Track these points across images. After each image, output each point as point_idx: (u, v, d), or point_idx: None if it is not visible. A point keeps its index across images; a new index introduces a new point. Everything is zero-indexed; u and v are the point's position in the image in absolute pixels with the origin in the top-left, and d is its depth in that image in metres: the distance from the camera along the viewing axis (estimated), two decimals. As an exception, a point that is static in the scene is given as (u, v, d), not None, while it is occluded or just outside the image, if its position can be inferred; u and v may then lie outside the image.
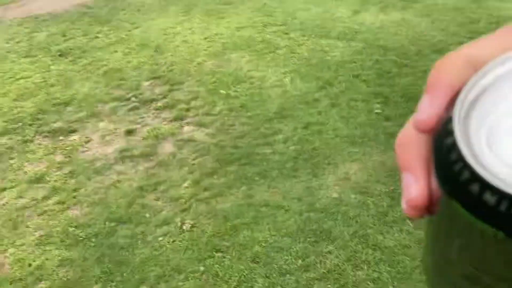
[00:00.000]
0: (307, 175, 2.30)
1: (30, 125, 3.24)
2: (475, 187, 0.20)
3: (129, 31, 5.20)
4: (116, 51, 4.56)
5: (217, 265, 2.03)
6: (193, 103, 3.27)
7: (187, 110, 3.19)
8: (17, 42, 5.33)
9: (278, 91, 3.26)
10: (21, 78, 4.16)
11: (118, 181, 2.48)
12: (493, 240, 0.21)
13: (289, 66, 3.66)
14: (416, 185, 0.21)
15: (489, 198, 0.20)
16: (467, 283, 0.27)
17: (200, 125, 2.97)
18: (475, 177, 0.20)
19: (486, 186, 0.19)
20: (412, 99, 2.91)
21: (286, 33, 4.42)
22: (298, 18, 4.83)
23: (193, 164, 2.54)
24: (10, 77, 4.21)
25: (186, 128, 2.96)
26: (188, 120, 3.07)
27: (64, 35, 5.34)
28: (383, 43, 3.87)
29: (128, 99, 3.49)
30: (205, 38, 4.61)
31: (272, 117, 2.91)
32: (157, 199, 2.29)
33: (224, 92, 3.36)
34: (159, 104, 3.35)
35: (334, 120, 2.79)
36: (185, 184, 2.37)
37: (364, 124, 2.72)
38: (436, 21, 4.22)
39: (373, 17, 4.55)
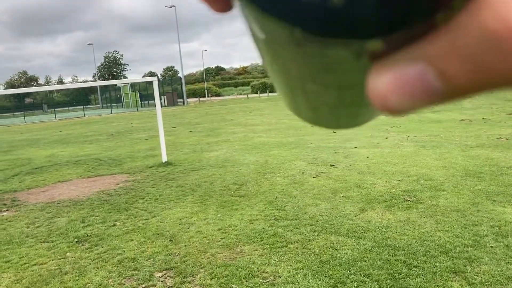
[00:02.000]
0: None
1: (39, 315, 3.19)
2: None
3: (146, 219, 5.43)
4: (131, 240, 4.70)
5: None
6: (204, 298, 3.26)
7: (199, 305, 3.16)
8: (37, 227, 5.54)
9: (291, 288, 3.27)
10: (36, 264, 4.23)
11: None
12: (293, 41, 0.20)
13: (301, 262, 3.73)
14: None
15: None
16: (301, 93, 0.26)
17: (211, 322, 2.91)
18: None
19: None
20: (425, 302, 2.90)
21: (297, 228, 4.61)
22: (308, 213, 5.07)
23: None
24: (25, 263, 4.28)
25: (196, 325, 2.90)
26: (199, 316, 3.02)
27: (83, 222, 5.56)
28: (391, 242, 4.00)
29: (140, 290, 3.49)
30: (219, 229, 4.79)
31: (285, 317, 2.87)
32: None
33: (236, 287, 3.37)
34: (170, 297, 3.34)
35: (348, 322, 2.75)
36: None
37: (379, 328, 2.66)
38: (440, 222, 4.42)
39: (379, 216, 4.78)
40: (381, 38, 0.19)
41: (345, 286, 3.23)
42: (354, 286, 3.22)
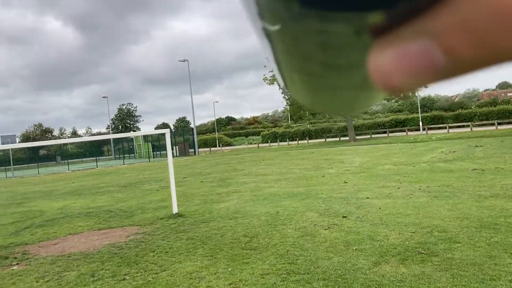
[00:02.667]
0: None
1: None
2: None
3: (156, 273, 5.37)
4: (141, 295, 4.63)
5: None
6: None
7: None
8: (47, 281, 5.50)
9: None
10: (45, 321, 4.16)
11: None
12: (291, 17, 0.19)
13: (314, 319, 3.64)
14: None
15: None
16: (303, 77, 0.25)
17: None
18: None
19: None
20: None
21: (309, 283, 4.51)
22: (320, 267, 4.98)
23: None
24: (34, 319, 4.22)
25: None
26: None
27: (93, 276, 5.51)
28: (406, 297, 3.90)
29: None
30: (230, 284, 4.71)
31: None
32: None
33: None
34: None
35: None
36: None
37: None
38: (456, 276, 4.31)
39: (393, 269, 4.67)
40: (383, 10, 0.18)
41: None
42: None
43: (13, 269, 6.30)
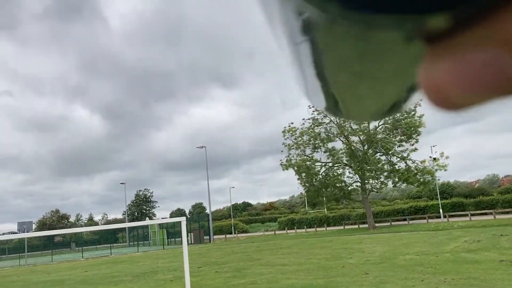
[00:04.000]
0: None
1: None
2: None
3: None
4: None
5: None
6: None
7: None
8: None
9: None
10: None
11: None
12: (328, 22, 0.16)
13: None
14: None
15: None
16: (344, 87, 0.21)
17: None
18: None
19: None
20: None
21: None
22: None
23: None
24: None
25: None
26: None
27: None
28: None
29: None
30: None
31: None
32: None
33: None
34: None
35: None
36: None
37: None
38: None
39: None
40: (445, 12, 0.15)
41: None
42: None
43: None
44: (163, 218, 53.81)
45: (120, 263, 27.08)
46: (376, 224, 47.33)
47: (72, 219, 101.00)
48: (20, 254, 48.89)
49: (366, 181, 46.63)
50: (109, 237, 70.48)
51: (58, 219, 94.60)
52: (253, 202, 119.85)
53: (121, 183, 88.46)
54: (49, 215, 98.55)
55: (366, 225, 48.56)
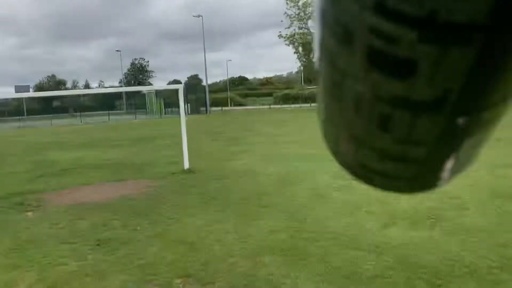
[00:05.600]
0: None
1: (59, 316, 3.23)
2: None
3: (167, 225, 5.46)
4: (152, 245, 4.73)
5: None
6: (223, 307, 3.25)
7: (217, 314, 3.15)
8: (60, 228, 5.62)
9: (310, 302, 3.23)
10: (59, 265, 4.28)
11: None
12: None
13: (322, 275, 3.69)
14: None
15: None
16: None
17: (229, 332, 2.89)
18: None
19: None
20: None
21: (318, 241, 4.56)
22: (329, 227, 5.02)
23: None
24: (48, 263, 4.34)
25: (214, 334, 2.89)
26: (217, 325, 3.01)
27: (104, 225, 5.62)
28: (414, 260, 3.92)
29: (159, 296, 3.50)
30: (239, 239, 4.78)
31: (304, 331, 2.83)
32: None
33: (255, 297, 3.35)
34: (189, 304, 3.34)
35: None
36: None
37: None
38: (465, 242, 4.32)
39: (402, 232, 4.69)
40: None
41: (366, 303, 3.17)
42: (375, 303, 3.16)
43: (27, 215, 6.45)
44: (160, 86, 54.15)
45: (119, 128, 27.81)
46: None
47: (68, 85, 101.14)
48: (20, 117, 49.89)
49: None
50: (106, 104, 71.34)
51: (55, 85, 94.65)
52: (250, 77, 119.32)
53: (116, 51, 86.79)
54: (45, 80, 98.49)
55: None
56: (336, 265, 3.90)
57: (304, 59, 46.77)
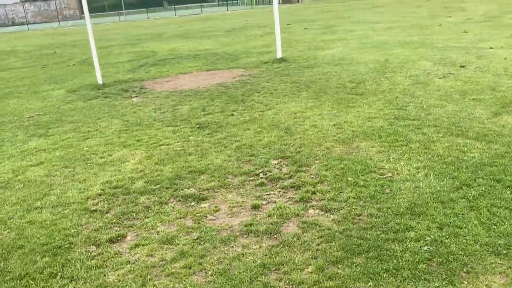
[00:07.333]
0: (441, 281, 2.11)
1: (167, 188, 3.49)
2: None
3: (262, 111, 5.52)
4: (248, 129, 4.83)
5: None
6: (319, 187, 3.28)
7: (313, 193, 3.20)
8: (163, 112, 5.93)
9: (410, 186, 3.14)
10: (163, 144, 4.58)
11: (242, 255, 2.51)
12: None
13: (423, 161, 3.54)
14: None
15: None
16: None
17: (326, 210, 2.94)
18: None
19: None
20: None
21: (419, 128, 4.34)
22: (432, 114, 4.73)
23: (317, 249, 2.50)
24: (154, 143, 4.65)
25: (311, 211, 2.95)
26: (314, 203, 3.06)
27: (203, 110, 5.83)
28: (530, 148, 3.59)
29: (257, 174, 3.62)
30: (334, 125, 4.70)
31: (403, 212, 2.79)
32: (279, 280, 2.26)
33: (352, 179, 3.33)
34: (286, 183, 3.42)
35: (473, 224, 2.58)
36: (308, 269, 2.32)
37: (508, 233, 2.47)
38: None
39: (517, 120, 4.28)
40: None
41: (471, 189, 3.01)
42: (482, 190, 2.98)
43: (133, 100, 6.88)
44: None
45: (211, 20, 27.80)
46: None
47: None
48: (119, 11, 51.79)
49: None
50: (198, -3, 71.15)
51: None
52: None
53: None
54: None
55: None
56: (439, 153, 3.70)
57: None
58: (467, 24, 13.09)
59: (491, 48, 8.54)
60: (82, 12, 46.11)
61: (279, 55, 9.58)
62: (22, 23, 53.54)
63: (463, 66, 7.01)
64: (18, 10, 57.87)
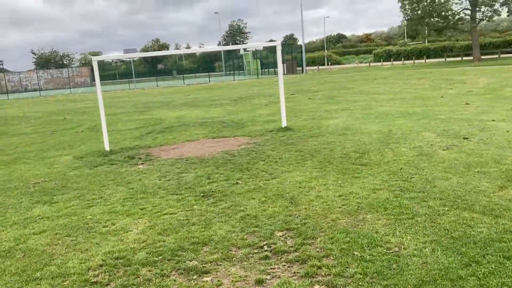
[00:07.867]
0: None
1: (169, 260, 3.43)
2: None
3: (267, 180, 5.52)
4: (253, 198, 4.81)
5: None
6: (325, 261, 3.21)
7: (319, 267, 3.12)
8: (168, 180, 5.95)
9: (418, 261, 3.07)
10: (167, 213, 4.55)
11: (245, 334, 2.42)
12: None
13: (429, 236, 3.48)
14: None
15: None
16: None
17: (332, 286, 2.85)
18: None
19: None
20: None
21: (425, 201, 4.31)
22: (437, 187, 4.71)
23: (323, 329, 2.40)
24: (158, 212, 4.63)
25: (317, 287, 2.87)
26: (319, 278, 2.98)
27: (208, 178, 5.84)
28: (538, 224, 3.54)
29: (261, 247, 3.56)
30: (340, 196, 4.68)
31: (411, 290, 2.70)
32: None
33: (358, 254, 3.26)
34: (290, 256, 3.35)
35: (485, 305, 2.49)
36: None
37: (522, 316, 2.37)
38: None
39: (523, 195, 4.25)
40: None
41: (481, 266, 2.93)
42: (492, 268, 2.91)
43: (138, 168, 6.93)
44: (258, 43, 54.67)
45: (218, 89, 28.62)
46: (483, 57, 43.78)
47: (171, 48, 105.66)
48: (129, 79, 53.57)
49: (477, 8, 41.99)
50: (206, 66, 73.72)
51: (159, 48, 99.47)
52: (348, 34, 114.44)
53: (214, 13, 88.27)
54: (150, 44, 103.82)
55: (470, 58, 45.16)
56: (446, 227, 3.65)
57: (408, 11, 43.77)
58: (469, 96, 13.39)
59: (493, 120, 8.67)
60: (93, 79, 47.72)
61: (284, 124, 9.76)
62: (35, 89, 55.28)
63: (466, 138, 7.09)
64: (32, 77, 60.01)
